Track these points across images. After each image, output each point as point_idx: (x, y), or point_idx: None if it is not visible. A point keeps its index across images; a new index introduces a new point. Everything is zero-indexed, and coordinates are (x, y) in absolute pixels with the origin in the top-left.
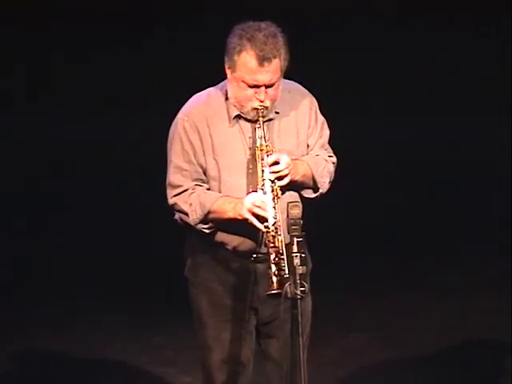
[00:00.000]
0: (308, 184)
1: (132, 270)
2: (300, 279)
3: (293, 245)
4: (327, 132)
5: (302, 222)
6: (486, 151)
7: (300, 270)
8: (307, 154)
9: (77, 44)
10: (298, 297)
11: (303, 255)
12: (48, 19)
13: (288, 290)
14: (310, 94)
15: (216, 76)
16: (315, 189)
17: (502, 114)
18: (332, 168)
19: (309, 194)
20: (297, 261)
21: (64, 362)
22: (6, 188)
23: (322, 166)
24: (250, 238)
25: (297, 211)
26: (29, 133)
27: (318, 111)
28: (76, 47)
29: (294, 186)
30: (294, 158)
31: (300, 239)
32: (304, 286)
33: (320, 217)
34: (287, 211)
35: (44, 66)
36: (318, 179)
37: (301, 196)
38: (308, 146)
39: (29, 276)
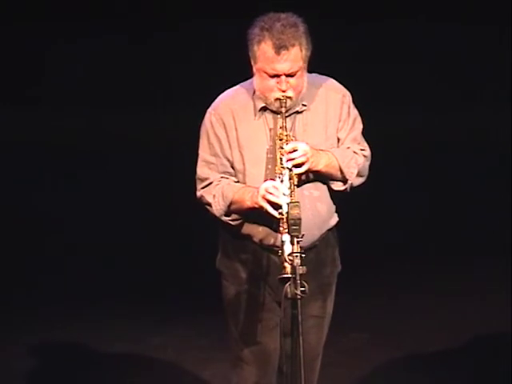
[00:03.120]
0: (335, 175)
1: (132, 270)
2: (300, 279)
3: (293, 245)
4: (360, 126)
5: (301, 221)
6: (487, 151)
7: (300, 270)
8: (338, 147)
9: (78, 40)
10: (298, 297)
11: (303, 255)
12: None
13: (288, 290)
14: (344, 89)
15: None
16: (344, 180)
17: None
18: (361, 160)
19: (338, 186)
20: (297, 261)
21: (64, 362)
22: (6, 188)
23: (350, 157)
24: (275, 231)
25: (297, 211)
26: (30, 129)
27: (352, 105)
28: (77, 43)
29: (319, 177)
30: (319, 148)
31: (300, 239)
32: (304, 286)
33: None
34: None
35: (49, 63)
36: (344, 170)
37: (331, 190)
38: (339, 139)
39: (29, 276)
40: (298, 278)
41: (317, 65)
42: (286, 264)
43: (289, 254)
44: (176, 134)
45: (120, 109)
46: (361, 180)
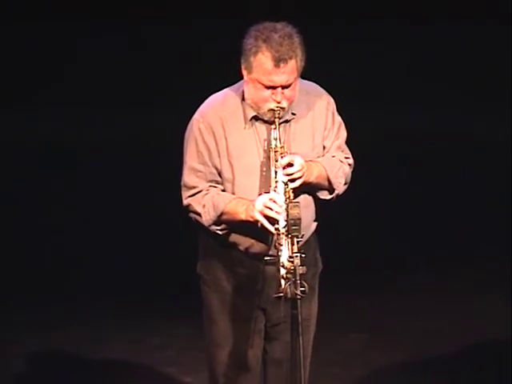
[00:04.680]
0: (323, 185)
1: (132, 270)
2: (300, 279)
3: (293, 245)
4: (344, 133)
5: (301, 221)
6: (487, 151)
7: (300, 270)
8: (323, 155)
9: (78, 40)
10: (298, 297)
11: (303, 255)
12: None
13: (288, 290)
14: (328, 95)
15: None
16: (331, 190)
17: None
18: (348, 169)
19: (324, 195)
20: (297, 261)
21: (64, 363)
22: (6, 188)
23: (337, 167)
24: (261, 240)
25: (297, 211)
26: (30, 129)
27: (336, 112)
28: (77, 43)
29: (308, 187)
30: (308, 159)
31: (300, 239)
32: (304, 287)
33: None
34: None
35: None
36: (333, 180)
37: (315, 198)
38: (324, 147)
39: (29, 276)
40: (297, 278)
41: (317, 65)
42: (282, 281)
43: (287, 273)
44: (176, 134)
45: (120, 109)
46: (345, 188)
